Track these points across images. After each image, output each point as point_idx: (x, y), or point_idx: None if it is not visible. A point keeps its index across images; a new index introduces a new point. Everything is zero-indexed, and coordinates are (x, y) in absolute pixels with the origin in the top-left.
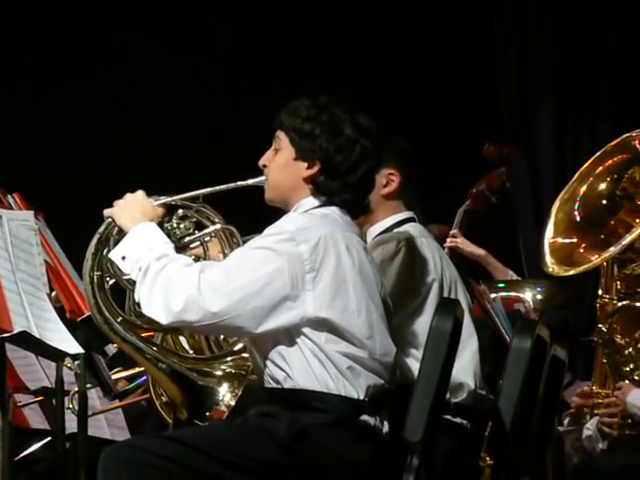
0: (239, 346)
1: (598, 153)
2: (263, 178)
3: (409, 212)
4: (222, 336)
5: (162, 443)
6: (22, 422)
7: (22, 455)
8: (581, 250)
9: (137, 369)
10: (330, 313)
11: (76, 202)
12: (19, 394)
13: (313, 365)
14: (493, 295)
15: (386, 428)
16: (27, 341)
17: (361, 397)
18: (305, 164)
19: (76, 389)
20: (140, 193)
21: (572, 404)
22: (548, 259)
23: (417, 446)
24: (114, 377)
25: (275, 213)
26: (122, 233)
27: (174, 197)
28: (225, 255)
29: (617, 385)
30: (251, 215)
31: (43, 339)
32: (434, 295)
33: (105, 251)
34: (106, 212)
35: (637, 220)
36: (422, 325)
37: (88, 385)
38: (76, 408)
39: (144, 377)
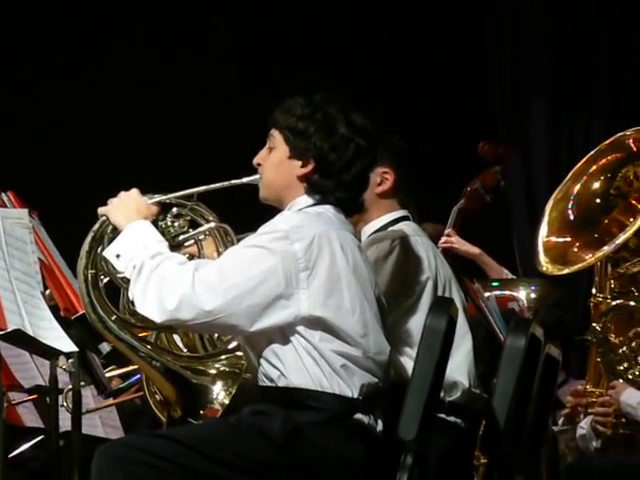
0: (233, 344)
1: (592, 152)
2: (257, 176)
3: (403, 211)
4: (216, 334)
5: (156, 441)
6: (16, 420)
7: (16, 453)
8: (575, 249)
9: (131, 367)
10: (324, 312)
11: (70, 200)
12: (13, 392)
13: (307, 363)
14: (487, 294)
15: (380, 427)
16: (21, 339)
17: (355, 396)
18: (299, 162)
19: (70, 387)
20: (134, 191)
21: (566, 403)
22: (542, 258)
23: (411, 445)
24: (108, 375)
25: (269, 211)
26: (116, 231)
27: (168, 195)
28: (219, 253)
29: (611, 384)
30: (245, 213)
31: (37, 337)
32: (428, 294)
33: (99, 249)
34: (100, 210)
35: (631, 219)
36: (416, 324)
37: (82, 383)
38: (70, 406)
39: (138, 375)
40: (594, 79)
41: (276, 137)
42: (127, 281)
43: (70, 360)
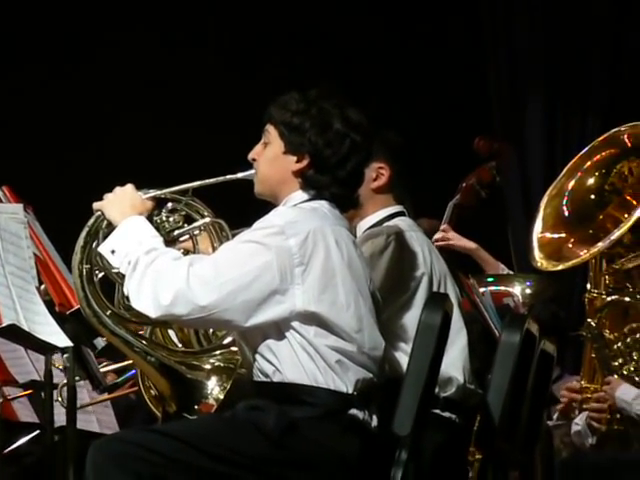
0: (228, 340)
1: (586, 148)
2: (253, 172)
3: (399, 206)
4: (211, 330)
5: (151, 437)
6: (11, 415)
7: (11, 448)
8: (570, 245)
9: (126, 362)
10: (319, 307)
11: (65, 195)
12: (8, 387)
13: (302, 359)
14: (482, 289)
15: (375, 422)
16: (16, 334)
17: (350, 391)
18: (294, 158)
19: (65, 382)
20: (129, 187)
21: (561, 398)
22: (537, 254)
23: (406, 440)
24: (103, 370)
25: (264, 207)
26: (111, 226)
27: (163, 190)
28: (214, 249)
29: (606, 380)
30: (240, 209)
31: (32, 332)
32: (423, 289)
33: (94, 244)
34: (95, 205)
35: (625, 215)
36: (411, 319)
37: (77, 378)
38: (65, 401)
39: (133, 370)
40: (590, 75)
41: (271, 132)
42: (122, 276)
43: (65, 355)
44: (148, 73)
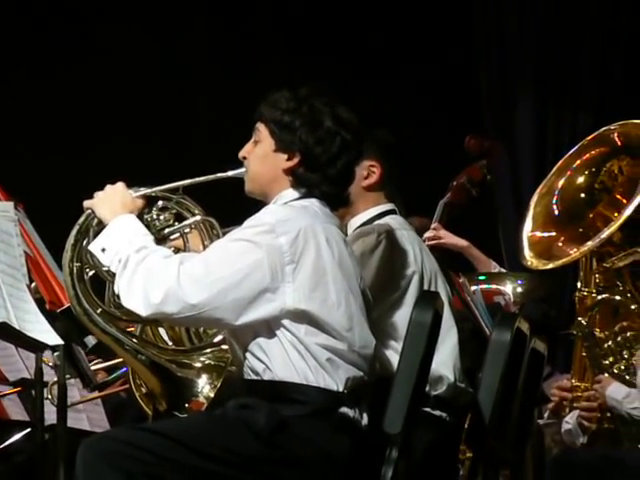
0: (219, 338)
1: (576, 147)
2: (243, 170)
3: (390, 204)
4: (202, 328)
5: (142, 435)
6: (1, 413)
7: (1, 447)
8: (560, 244)
9: (116, 360)
10: (309, 305)
11: (56, 193)
12: None
13: (292, 357)
14: (473, 287)
15: (365, 420)
16: (6, 332)
17: (340, 389)
18: (285, 156)
19: (55, 380)
20: (120, 185)
21: (551, 397)
22: (527, 253)
23: (396, 438)
24: (93, 368)
25: (255, 205)
26: (102, 224)
27: (154, 188)
28: (205, 247)
29: (596, 378)
30: (231, 207)
31: (22, 330)
32: (414, 288)
33: (85, 242)
34: (86, 203)
35: (615, 214)
36: (402, 317)
37: (67, 376)
38: (55, 399)
39: (123, 368)
40: (580, 74)
41: (262, 130)
42: (112, 274)
43: (55, 353)
44: (139, 72)
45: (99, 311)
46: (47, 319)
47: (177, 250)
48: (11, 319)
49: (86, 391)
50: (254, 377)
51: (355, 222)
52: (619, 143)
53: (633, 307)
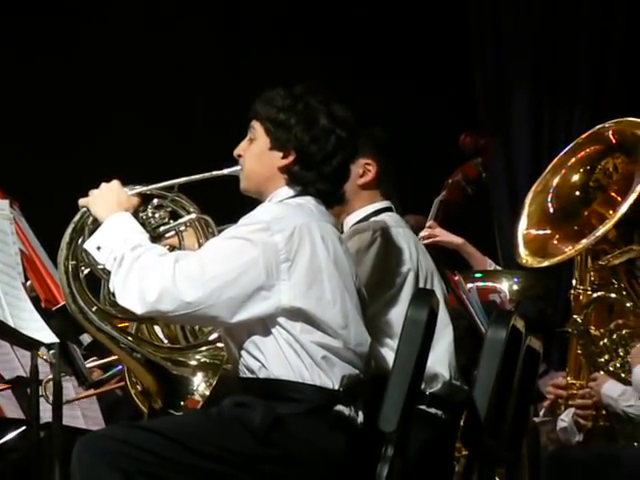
0: (214, 336)
1: (571, 145)
2: (238, 168)
3: (386, 202)
4: (197, 326)
5: (138, 433)
6: None
7: None
8: (555, 241)
9: (112, 358)
10: (305, 303)
11: (51, 191)
12: None
13: (288, 355)
14: (469, 285)
15: (361, 418)
16: (2, 330)
17: (336, 387)
18: (280, 154)
19: (50, 378)
20: (115, 183)
21: (547, 395)
22: (522, 250)
23: (392, 436)
24: (89, 366)
25: (250, 203)
26: (97, 223)
27: (149, 186)
28: (200, 245)
29: (592, 376)
30: (226, 205)
31: (18, 328)
32: (409, 285)
33: (80, 240)
34: (81, 202)
35: (610, 211)
36: (397, 315)
37: (63, 374)
38: (50, 397)
39: (119, 366)
40: (576, 72)
41: (257, 128)
42: (108, 272)
43: (51, 351)
44: (134, 69)
45: (94, 309)
46: (42, 317)
47: (172, 248)
48: (6, 317)
49: (81, 389)
50: (249, 375)
51: (351, 220)
52: (614, 141)
53: (628, 305)
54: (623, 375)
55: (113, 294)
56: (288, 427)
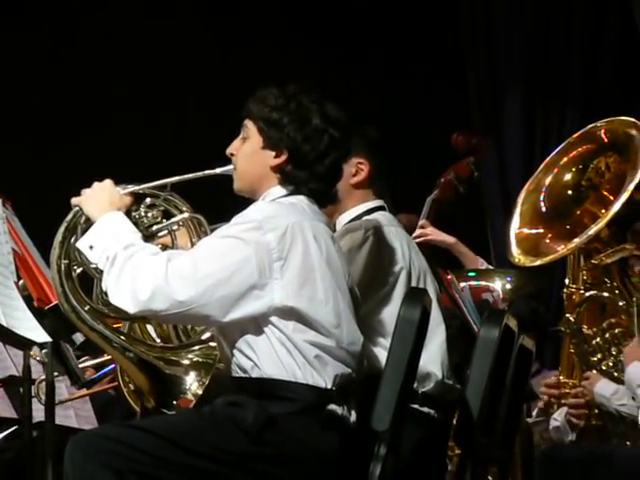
0: (207, 335)
1: (563, 144)
2: (231, 167)
3: (379, 201)
4: (190, 325)
5: (129, 432)
6: None
7: None
8: (547, 240)
9: (105, 358)
10: (297, 302)
11: (44, 190)
12: None
13: (280, 354)
14: (462, 284)
15: (353, 417)
16: None
17: (328, 386)
18: (273, 153)
19: (43, 377)
20: (108, 182)
21: (540, 395)
22: (514, 250)
23: (384, 435)
24: (82, 366)
25: (243, 202)
26: (89, 222)
27: (142, 186)
28: (193, 244)
29: (585, 375)
30: (219, 204)
31: (11, 327)
32: (402, 284)
33: (72, 239)
34: (74, 201)
35: (603, 210)
36: (390, 314)
37: (55, 374)
38: (43, 397)
39: (112, 366)
40: (568, 72)
41: (250, 127)
42: (101, 271)
43: (44, 350)
44: (127, 69)
45: (87, 308)
46: (35, 316)
47: (165, 247)
48: None
49: (74, 388)
50: (242, 374)
51: (344, 219)
52: (606, 140)
53: (621, 304)
54: (616, 374)
55: (106, 293)
56: (281, 426)
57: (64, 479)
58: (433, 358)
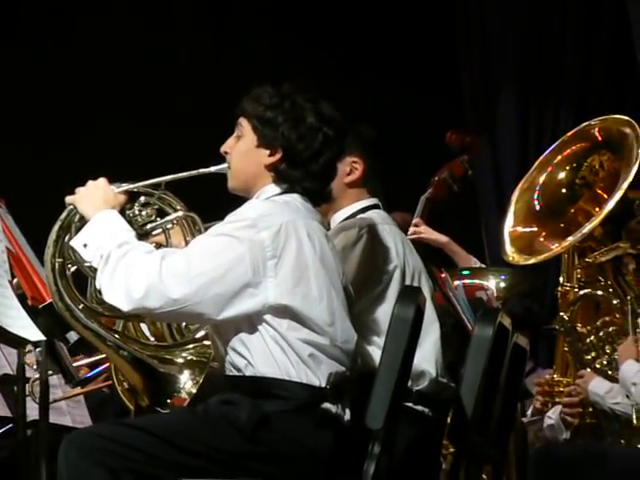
0: (201, 333)
1: (557, 142)
2: (225, 165)
3: (373, 199)
4: (184, 323)
5: (124, 431)
6: None
7: None
8: (541, 239)
9: (99, 356)
10: (291, 300)
11: (38, 189)
12: None
13: (274, 352)
14: (457, 282)
15: (347, 416)
16: None
17: (322, 384)
18: (267, 151)
19: (37, 376)
20: (102, 180)
21: (535, 395)
22: (508, 248)
23: (378, 434)
24: (76, 364)
25: (237, 200)
26: (84, 220)
27: (136, 184)
28: (187, 242)
29: (579, 373)
30: (213, 202)
31: (5, 326)
32: (396, 282)
33: (67, 238)
34: (68, 199)
35: (597, 209)
36: (384, 312)
37: (49, 372)
38: (37, 395)
39: (106, 364)
40: (562, 71)
41: (244, 126)
42: (94, 270)
43: (38, 349)
44: (119, 69)
45: (81, 307)
46: (29, 315)
47: (159, 246)
48: None
49: (68, 387)
50: (236, 373)
51: (338, 217)
52: (600, 138)
53: (615, 302)
54: (610, 372)
55: (100, 292)
56: (275, 425)
57: (58, 477)
58: (427, 356)
